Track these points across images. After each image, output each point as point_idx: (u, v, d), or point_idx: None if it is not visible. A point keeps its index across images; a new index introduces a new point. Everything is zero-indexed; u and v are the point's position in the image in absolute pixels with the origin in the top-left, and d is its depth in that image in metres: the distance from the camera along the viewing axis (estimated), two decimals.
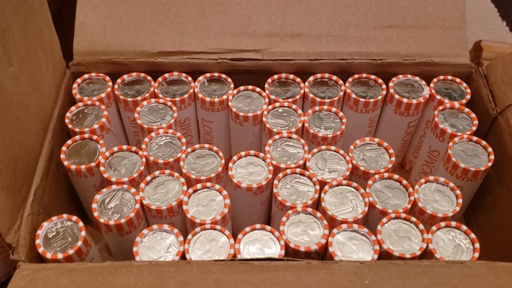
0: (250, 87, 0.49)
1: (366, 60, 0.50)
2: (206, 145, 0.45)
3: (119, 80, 0.50)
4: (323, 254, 0.40)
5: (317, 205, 0.43)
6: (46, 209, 0.43)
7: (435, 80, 0.50)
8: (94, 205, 0.41)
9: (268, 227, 0.40)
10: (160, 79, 0.50)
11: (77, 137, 0.46)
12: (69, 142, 0.45)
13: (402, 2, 0.50)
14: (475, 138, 0.45)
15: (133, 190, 0.42)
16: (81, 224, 0.40)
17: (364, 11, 0.50)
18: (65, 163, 0.44)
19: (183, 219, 0.42)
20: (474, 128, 0.46)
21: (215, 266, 0.34)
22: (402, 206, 0.42)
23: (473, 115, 0.47)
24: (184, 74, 0.50)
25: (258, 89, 0.49)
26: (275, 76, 0.50)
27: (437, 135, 0.47)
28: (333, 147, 0.45)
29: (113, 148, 0.45)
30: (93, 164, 0.44)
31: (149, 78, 0.50)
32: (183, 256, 0.38)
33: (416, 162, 0.53)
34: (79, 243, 0.39)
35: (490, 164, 0.44)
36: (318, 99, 0.48)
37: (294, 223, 0.40)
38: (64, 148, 0.45)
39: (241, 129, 0.49)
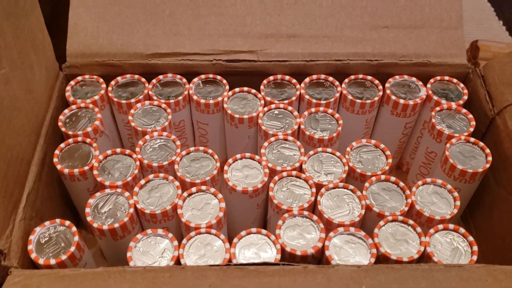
0: (245, 88, 0.49)
1: (362, 61, 0.49)
2: (201, 148, 0.45)
3: (112, 82, 0.49)
4: (319, 257, 0.40)
5: (313, 208, 0.42)
6: (39, 214, 0.42)
7: (432, 80, 0.49)
8: (87, 210, 0.41)
9: (264, 231, 0.39)
10: (154, 81, 0.50)
11: (70, 140, 0.45)
12: (62, 145, 0.45)
13: (398, 3, 0.50)
14: (472, 139, 0.45)
15: (127, 194, 0.41)
16: (74, 229, 0.40)
17: (359, 11, 0.50)
18: (58, 166, 0.43)
19: (178, 223, 0.42)
20: (472, 129, 0.46)
21: (210, 271, 0.34)
22: (399, 209, 0.41)
23: (470, 116, 0.47)
24: (178, 76, 0.50)
25: (253, 91, 0.49)
26: (271, 78, 0.50)
27: (434, 136, 0.46)
28: (329, 149, 0.45)
29: (107, 151, 0.44)
30: (86, 167, 0.43)
31: (143, 80, 0.50)
32: (177, 261, 0.38)
33: (413, 163, 0.52)
34: (72, 249, 0.38)
35: (487, 165, 0.43)
36: (314, 101, 0.48)
37: (290, 227, 0.40)
38: (57, 151, 0.44)
39: (237, 131, 0.48)
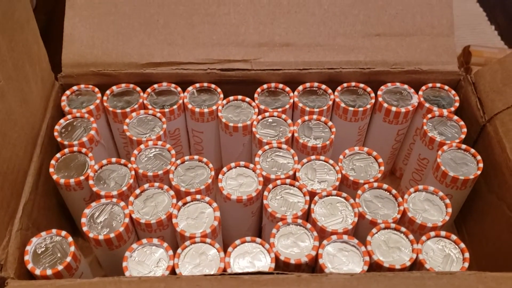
0: (239, 97, 0.49)
1: (355, 69, 0.50)
2: (196, 157, 0.45)
3: (108, 92, 0.50)
4: (313, 265, 0.40)
5: (307, 216, 0.43)
6: (35, 224, 0.43)
7: (423, 88, 0.50)
8: (83, 220, 0.41)
9: (258, 240, 0.40)
10: (149, 90, 0.50)
11: (66, 150, 0.45)
12: (58, 155, 0.45)
13: (390, 11, 0.50)
14: (464, 146, 0.45)
15: (122, 203, 0.42)
16: (70, 239, 0.40)
17: (352, 20, 0.50)
18: (54, 177, 0.44)
19: (173, 232, 0.42)
20: (463, 136, 0.46)
21: (204, 281, 0.34)
22: (391, 216, 0.42)
23: (462, 123, 0.47)
24: (173, 85, 0.50)
25: (247, 99, 0.49)
26: (265, 86, 0.50)
27: (426, 143, 0.47)
28: (322, 157, 0.45)
29: (102, 161, 0.45)
30: (82, 177, 0.44)
31: (138, 89, 0.50)
32: (173, 271, 0.38)
33: (406, 169, 0.53)
34: (69, 259, 0.39)
35: (479, 172, 0.44)
36: (307, 109, 0.48)
37: (284, 235, 0.40)
38: (53, 161, 0.45)
39: (231, 139, 0.49)
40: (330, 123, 0.47)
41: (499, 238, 0.44)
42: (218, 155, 0.53)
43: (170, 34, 0.50)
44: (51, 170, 0.44)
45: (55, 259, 0.39)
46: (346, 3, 0.50)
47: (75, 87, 0.50)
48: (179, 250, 0.39)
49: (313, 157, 0.45)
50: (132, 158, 0.45)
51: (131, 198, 0.42)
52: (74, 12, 0.50)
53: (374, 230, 0.40)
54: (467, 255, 0.39)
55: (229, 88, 0.50)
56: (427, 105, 0.48)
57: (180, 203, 0.42)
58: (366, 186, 0.43)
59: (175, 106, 0.49)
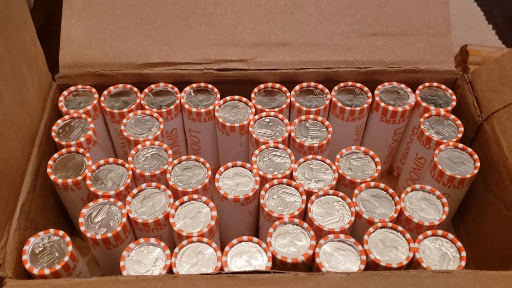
0: (236, 97, 0.50)
1: (352, 69, 0.50)
2: (193, 157, 0.45)
3: (105, 92, 0.50)
4: (310, 264, 0.40)
5: (304, 215, 0.43)
6: (33, 224, 0.43)
7: (420, 87, 0.50)
8: (81, 219, 0.41)
9: (255, 239, 0.40)
10: (146, 90, 0.50)
11: (64, 150, 0.45)
12: (55, 155, 0.45)
13: (386, 10, 0.51)
14: (461, 145, 0.46)
15: (119, 203, 0.42)
16: (68, 239, 0.40)
17: (348, 19, 0.50)
18: (52, 177, 0.44)
19: (170, 232, 0.42)
20: (460, 135, 0.46)
21: (201, 280, 0.34)
22: (388, 215, 0.42)
23: (459, 122, 0.47)
24: (170, 85, 0.50)
25: (244, 99, 0.49)
26: (261, 86, 0.50)
27: (423, 142, 0.47)
28: (319, 157, 0.45)
29: (99, 161, 0.45)
30: (79, 177, 0.44)
31: (135, 89, 0.50)
32: (170, 270, 0.38)
33: (403, 168, 0.53)
34: (66, 258, 0.39)
35: (476, 171, 0.44)
36: (304, 108, 0.48)
37: (281, 234, 0.40)
38: (50, 162, 0.45)
39: (228, 139, 0.49)
40: (327, 123, 0.47)
41: (496, 237, 0.44)
42: (215, 155, 0.53)
43: (167, 35, 0.50)
44: (49, 170, 0.44)
45: (53, 259, 0.39)
46: (343, 2, 0.51)
47: (72, 88, 0.50)
48: (176, 250, 0.39)
49: (310, 156, 0.45)
50: (130, 158, 0.45)
51: (129, 198, 0.42)
52: (71, 13, 0.50)
53: (371, 229, 0.40)
54: (463, 253, 0.39)
55: (226, 88, 0.50)
56: (424, 104, 0.48)
57: (177, 203, 0.42)
58: (363, 185, 0.43)
59: (172, 106, 0.49)
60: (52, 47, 0.51)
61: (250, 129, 0.47)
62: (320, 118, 0.48)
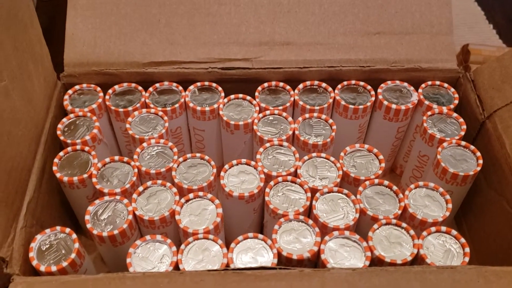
0: (240, 95, 0.50)
1: (355, 67, 0.50)
2: (198, 154, 0.46)
3: (110, 91, 0.50)
4: (315, 261, 0.41)
5: (308, 212, 0.43)
6: (39, 221, 0.43)
7: (423, 85, 0.50)
8: (87, 217, 0.41)
9: (260, 236, 0.40)
10: (151, 89, 0.50)
11: (69, 148, 0.46)
12: (61, 154, 0.45)
13: (389, 9, 0.51)
14: (463, 143, 0.46)
15: (125, 201, 0.42)
16: (74, 236, 0.40)
17: (352, 18, 0.51)
18: (58, 175, 0.44)
19: (176, 229, 0.43)
20: (463, 133, 0.47)
21: (208, 276, 0.35)
22: (392, 212, 0.42)
23: (461, 120, 0.48)
24: (174, 84, 0.51)
25: (248, 98, 0.50)
26: (265, 84, 0.51)
27: (426, 140, 0.47)
28: (323, 154, 0.46)
29: (105, 159, 0.45)
30: (85, 175, 0.44)
31: (140, 88, 0.50)
32: (176, 267, 0.39)
33: (406, 166, 0.53)
34: (73, 255, 0.39)
35: (479, 168, 0.44)
36: (308, 107, 0.49)
37: (287, 231, 0.41)
38: (56, 160, 0.45)
39: (233, 137, 0.49)
40: (330, 121, 0.48)
41: (499, 233, 0.45)
42: (219, 153, 0.53)
43: (172, 34, 0.51)
44: (55, 168, 0.44)
45: (60, 256, 0.39)
46: (346, 2, 0.51)
47: (77, 87, 0.50)
48: (182, 246, 0.39)
49: (314, 154, 0.46)
50: (135, 156, 0.45)
51: (134, 195, 0.43)
52: (76, 12, 0.51)
53: (375, 226, 0.41)
54: (467, 249, 0.40)
55: (230, 86, 0.50)
56: (426, 102, 0.49)
57: (182, 200, 0.42)
58: (367, 182, 0.43)
59: (176, 105, 0.49)
60: (55, 48, 0.51)
61: (255, 127, 0.47)
62: (323, 116, 0.48)
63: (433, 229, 0.41)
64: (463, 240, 0.40)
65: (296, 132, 0.47)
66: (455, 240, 0.40)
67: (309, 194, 0.43)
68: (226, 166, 0.45)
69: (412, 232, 0.40)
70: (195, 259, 0.39)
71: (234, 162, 0.45)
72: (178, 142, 0.52)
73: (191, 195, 0.42)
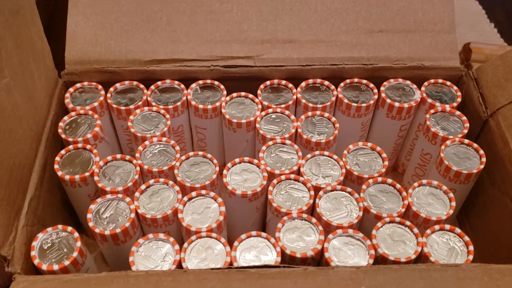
0: (242, 93, 0.50)
1: (358, 65, 0.50)
2: (200, 153, 0.45)
3: (111, 89, 0.50)
4: (319, 259, 0.40)
5: (312, 210, 0.43)
6: (40, 220, 0.43)
7: (426, 83, 0.50)
8: (89, 215, 0.41)
9: (264, 234, 0.40)
10: (152, 87, 0.50)
11: (71, 146, 0.46)
12: (62, 152, 0.45)
13: (392, 7, 0.51)
14: (466, 141, 0.46)
15: (127, 199, 0.42)
16: (76, 234, 0.40)
17: (354, 16, 0.51)
18: (59, 173, 0.44)
19: (178, 227, 0.42)
20: (466, 131, 0.47)
21: (211, 275, 0.34)
22: (396, 210, 0.42)
23: (464, 118, 0.48)
24: (176, 82, 0.50)
25: (250, 96, 0.50)
26: (267, 82, 0.50)
27: (429, 138, 0.47)
28: (326, 152, 0.45)
29: (107, 157, 0.45)
30: (87, 173, 0.44)
31: (141, 86, 0.50)
32: (179, 265, 0.38)
33: (408, 165, 0.53)
34: (75, 254, 0.39)
35: (482, 166, 0.44)
36: (310, 105, 0.48)
37: (290, 229, 0.41)
38: (57, 158, 0.45)
39: (235, 136, 0.49)
40: (333, 119, 0.47)
41: (502, 231, 0.45)
42: (221, 151, 0.53)
43: (173, 32, 0.50)
44: (56, 166, 0.44)
45: (62, 255, 0.39)
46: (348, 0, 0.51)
47: (78, 85, 0.50)
48: (185, 245, 0.39)
49: (317, 152, 0.45)
50: (137, 154, 0.45)
51: (137, 194, 0.42)
52: (77, 9, 0.50)
53: (379, 224, 0.40)
54: (471, 248, 0.40)
55: (232, 84, 0.50)
56: (429, 100, 0.49)
57: (185, 198, 0.42)
58: (370, 180, 0.43)
59: (178, 103, 0.49)
60: (55, 46, 0.51)
61: (257, 125, 0.47)
62: (326, 114, 0.48)
63: (437, 227, 0.40)
64: (467, 238, 0.40)
65: (299, 130, 0.47)
66: (459, 238, 0.40)
67: (312, 192, 0.42)
68: (229, 165, 0.44)
69: (415, 230, 0.40)
70: (198, 257, 0.39)
71: (237, 160, 0.45)
72: (180, 140, 0.52)
73: (193, 194, 0.42)
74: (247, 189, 0.43)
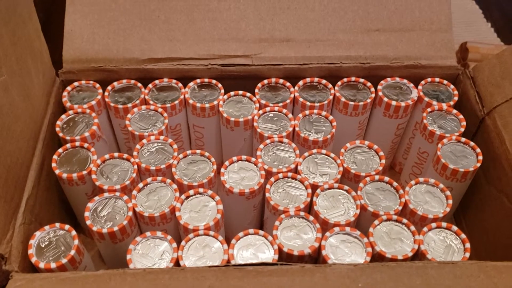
0: (240, 92, 0.50)
1: (355, 64, 0.50)
2: (198, 151, 0.45)
3: (109, 88, 0.50)
4: (316, 257, 0.41)
5: (309, 208, 0.43)
6: (38, 218, 0.43)
7: (423, 82, 0.50)
8: (86, 213, 0.41)
9: (261, 232, 0.40)
10: (150, 85, 0.50)
11: (68, 145, 0.46)
12: (60, 150, 0.45)
13: (389, 6, 0.51)
14: (463, 139, 0.46)
15: (125, 197, 0.42)
16: (74, 232, 0.40)
17: (351, 15, 0.51)
18: (57, 171, 0.44)
19: (176, 225, 0.42)
20: (462, 129, 0.47)
21: (209, 272, 0.34)
22: (393, 208, 0.42)
23: (461, 116, 0.48)
24: (174, 80, 0.50)
25: (248, 94, 0.50)
26: (265, 81, 0.50)
27: (426, 136, 0.47)
28: (324, 151, 0.45)
29: (105, 155, 0.45)
30: (84, 172, 0.44)
31: (139, 85, 0.50)
32: (177, 263, 0.38)
33: (406, 163, 0.53)
34: (72, 252, 0.39)
35: (478, 164, 0.44)
36: (308, 103, 0.48)
37: (287, 227, 0.41)
38: (55, 156, 0.45)
39: (232, 134, 0.49)
40: (330, 117, 0.48)
41: (498, 230, 0.45)
42: (219, 150, 0.53)
43: (171, 30, 0.50)
44: (54, 165, 0.44)
45: (59, 253, 0.39)
46: None
47: (76, 83, 0.50)
48: (182, 243, 0.39)
49: (314, 150, 0.45)
50: (135, 153, 0.45)
51: (134, 192, 0.42)
52: (74, 8, 0.50)
53: (376, 222, 0.41)
54: (468, 245, 0.40)
55: (230, 83, 0.50)
56: (426, 99, 0.49)
57: (183, 197, 0.42)
58: (367, 178, 0.43)
59: (176, 102, 0.49)
60: (53, 44, 0.51)
61: (255, 124, 0.47)
62: (324, 113, 0.48)
63: (433, 225, 0.41)
64: (463, 235, 0.40)
65: (297, 128, 0.47)
66: (455, 235, 0.40)
67: (309, 191, 0.43)
68: (227, 163, 0.45)
69: (412, 228, 0.40)
70: (196, 255, 0.39)
71: (235, 158, 0.45)
72: (178, 139, 0.52)
73: (191, 192, 0.42)
74: (245, 187, 0.43)
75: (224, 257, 0.39)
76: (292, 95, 0.49)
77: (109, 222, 0.41)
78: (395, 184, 0.43)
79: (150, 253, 0.39)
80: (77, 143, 0.46)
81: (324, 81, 0.50)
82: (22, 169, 0.42)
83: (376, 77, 0.50)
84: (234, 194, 0.43)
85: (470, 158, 0.45)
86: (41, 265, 0.38)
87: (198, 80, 0.50)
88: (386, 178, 0.43)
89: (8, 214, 0.39)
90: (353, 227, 0.41)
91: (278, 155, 0.45)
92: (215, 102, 0.49)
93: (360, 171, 0.44)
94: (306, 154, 0.45)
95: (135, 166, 0.44)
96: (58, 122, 0.47)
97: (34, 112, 0.45)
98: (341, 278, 0.34)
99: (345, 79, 0.50)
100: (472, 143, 0.46)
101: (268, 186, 0.43)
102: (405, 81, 0.50)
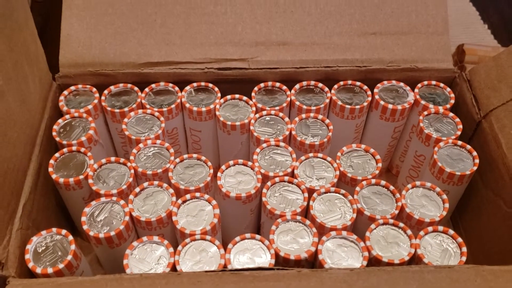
0: (237, 96, 0.50)
1: (351, 67, 0.50)
2: (195, 155, 0.45)
3: (106, 92, 0.50)
4: (313, 261, 0.41)
5: (306, 212, 0.43)
6: (35, 223, 0.43)
7: (419, 85, 0.50)
8: (83, 218, 0.41)
9: (258, 236, 0.40)
10: (147, 89, 0.50)
11: (65, 149, 0.46)
12: (57, 155, 0.45)
13: (385, 9, 0.51)
14: (460, 143, 0.46)
15: (122, 202, 0.42)
16: (70, 237, 0.40)
17: (348, 18, 0.51)
18: (53, 176, 0.44)
19: (172, 230, 0.42)
20: (459, 133, 0.47)
21: (205, 277, 0.35)
22: (390, 212, 0.42)
23: (458, 119, 0.48)
24: (171, 84, 0.50)
25: (245, 98, 0.50)
26: (262, 85, 0.50)
27: (422, 140, 0.47)
28: (320, 154, 0.45)
29: (101, 160, 0.45)
30: (81, 176, 0.44)
31: (136, 89, 0.50)
32: (173, 268, 0.38)
33: (402, 166, 0.53)
34: (69, 257, 0.39)
35: (475, 168, 0.44)
36: (304, 107, 0.49)
37: (284, 232, 0.41)
38: (52, 161, 0.45)
39: (229, 138, 0.49)
40: (327, 121, 0.48)
41: (495, 233, 0.45)
42: (215, 154, 0.53)
43: (168, 34, 0.50)
44: (50, 169, 0.44)
45: (56, 258, 0.39)
46: (342, 2, 0.51)
47: (72, 87, 0.50)
48: (179, 247, 0.39)
49: (311, 154, 0.45)
50: (131, 157, 0.45)
51: (131, 197, 0.42)
52: (71, 12, 0.50)
53: (372, 226, 0.41)
54: (464, 249, 0.40)
55: (227, 87, 0.50)
56: (423, 102, 0.49)
57: (179, 201, 0.42)
58: (364, 182, 0.43)
59: (173, 106, 0.49)
60: (49, 48, 0.51)
61: (251, 127, 0.47)
62: (320, 117, 0.48)
63: (430, 228, 0.41)
64: (460, 239, 0.40)
65: (293, 132, 0.47)
66: (452, 239, 0.40)
67: (306, 195, 0.43)
68: (223, 167, 0.45)
69: (409, 232, 0.40)
70: (192, 260, 0.39)
71: (231, 162, 0.45)
72: (175, 143, 0.52)
73: (188, 196, 0.42)
74: (241, 191, 0.43)
75: (220, 261, 0.39)
76: (288, 99, 0.49)
77: (106, 227, 0.41)
78: (391, 188, 0.43)
79: (147, 258, 0.39)
80: (74, 148, 0.46)
81: (320, 85, 0.50)
82: (19, 174, 0.42)
83: (373, 80, 0.50)
84: (231, 198, 0.43)
85: (466, 162, 0.45)
86: (38, 270, 0.38)
87: (195, 84, 0.50)
88: (383, 182, 0.44)
89: (5, 219, 0.39)
90: (350, 231, 0.41)
91: (275, 159, 0.45)
92: (212, 106, 0.49)
93: (356, 174, 0.44)
94: (302, 158, 0.45)
95: (132, 171, 0.44)
96: (55, 127, 0.47)
97: (30, 117, 0.45)
98: (338, 282, 0.34)
99: (341, 83, 0.50)
100: (468, 147, 0.46)
101: (264, 190, 0.43)
102: (401, 84, 0.50)
